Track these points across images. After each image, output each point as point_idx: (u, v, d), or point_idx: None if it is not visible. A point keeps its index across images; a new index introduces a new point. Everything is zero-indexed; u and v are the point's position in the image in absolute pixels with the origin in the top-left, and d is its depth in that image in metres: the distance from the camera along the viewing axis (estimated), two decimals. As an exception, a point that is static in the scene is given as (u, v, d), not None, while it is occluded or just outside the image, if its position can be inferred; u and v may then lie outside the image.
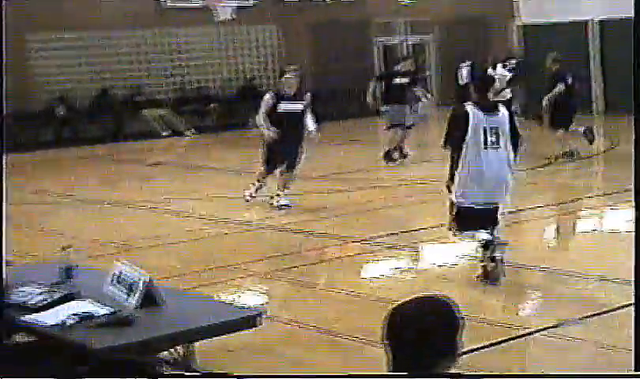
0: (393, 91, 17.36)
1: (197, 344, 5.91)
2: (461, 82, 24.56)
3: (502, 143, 8.59)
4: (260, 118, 12.80)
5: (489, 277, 8.57)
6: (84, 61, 24.67)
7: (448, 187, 8.79)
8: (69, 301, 5.55)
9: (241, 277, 9.40)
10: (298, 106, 12.82)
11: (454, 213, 8.76)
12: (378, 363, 3.36)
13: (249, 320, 5.59)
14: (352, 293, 8.54)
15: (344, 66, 28.90)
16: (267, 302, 8.42)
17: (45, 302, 5.50)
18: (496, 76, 14.27)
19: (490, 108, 8.66)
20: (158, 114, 24.34)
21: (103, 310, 5.33)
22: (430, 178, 15.71)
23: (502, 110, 8.73)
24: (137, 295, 5.47)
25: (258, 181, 13.24)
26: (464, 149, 8.53)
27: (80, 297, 5.63)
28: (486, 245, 8.60)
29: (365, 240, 10.59)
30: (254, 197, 13.17)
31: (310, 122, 12.93)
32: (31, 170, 19.78)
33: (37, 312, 5.39)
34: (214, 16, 25.31)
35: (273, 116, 12.65)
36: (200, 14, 25.40)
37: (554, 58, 17.01)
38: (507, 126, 8.67)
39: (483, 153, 8.52)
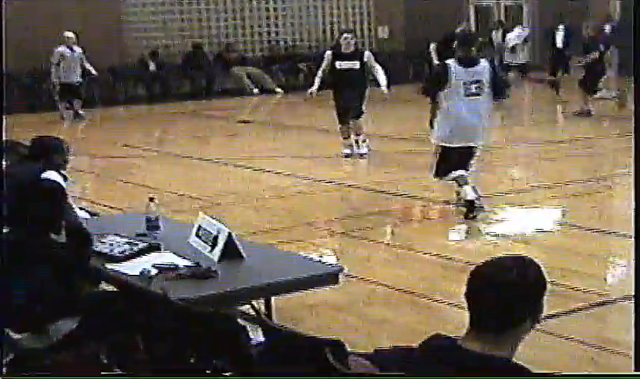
0: None
1: (276, 299, 5.96)
2: (558, 46, 24.05)
3: (482, 93, 9.56)
4: (318, 73, 14.07)
5: (467, 214, 9.62)
6: (176, 17, 24.86)
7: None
8: (152, 252, 5.62)
9: (324, 235, 9.43)
10: (354, 65, 13.61)
11: (437, 156, 9.80)
12: (459, 324, 3.33)
13: (329, 277, 5.59)
14: (435, 255, 8.50)
15: (438, 28, 28.61)
16: (349, 261, 8.42)
17: (128, 253, 5.58)
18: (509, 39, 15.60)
19: (470, 62, 9.57)
20: (248, 72, 24.43)
21: (184, 262, 5.38)
22: (515, 141, 15.58)
23: (483, 64, 9.71)
24: (218, 248, 5.51)
25: (343, 137, 13.99)
26: (442, 98, 9.58)
27: (164, 249, 5.69)
28: (464, 181, 9.68)
29: (450, 202, 10.50)
30: (351, 153, 13.93)
31: (381, 79, 13.68)
32: (122, 124, 20.12)
33: (120, 262, 5.47)
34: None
35: (334, 73, 13.73)
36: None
37: (588, 26, 18.80)
38: (488, 77, 9.58)
39: (462, 102, 9.51)
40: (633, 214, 4.00)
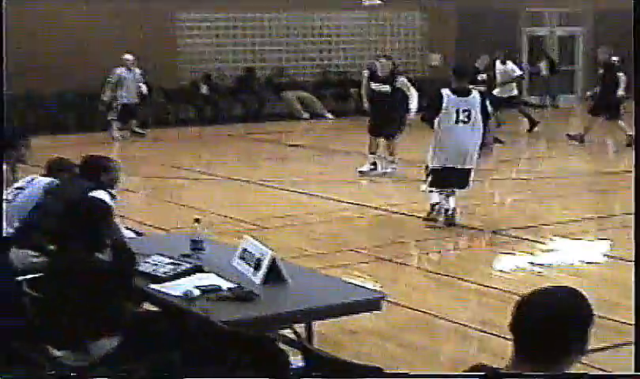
0: None
1: (318, 324, 5.95)
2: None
3: (472, 121, 10.55)
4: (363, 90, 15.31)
5: (446, 222, 10.74)
6: (230, 41, 25.06)
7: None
8: (195, 273, 5.65)
9: (368, 261, 9.41)
10: (385, 88, 14.51)
11: (428, 174, 10.84)
12: (501, 354, 3.30)
13: (371, 303, 5.57)
14: (479, 284, 8.44)
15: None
16: (391, 287, 8.40)
17: (172, 273, 5.61)
18: (498, 72, 19.00)
19: (463, 92, 10.64)
20: (299, 96, 24.52)
21: (227, 284, 5.40)
22: (567, 173, 15.46)
23: (475, 94, 10.80)
24: (262, 271, 5.53)
25: (370, 151, 14.81)
26: (436, 124, 10.57)
27: (207, 270, 5.72)
28: (449, 199, 10.77)
29: (495, 232, 10.44)
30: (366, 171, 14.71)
31: (412, 104, 14.32)
32: (172, 146, 20.26)
33: (163, 282, 5.51)
34: (362, 1, 25.28)
35: (371, 92, 14.83)
36: (346, -2, 25.46)
37: (603, 52, 19.67)
38: (478, 108, 10.60)
39: (453, 127, 10.51)
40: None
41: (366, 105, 15.08)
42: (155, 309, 5.45)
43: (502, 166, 16.01)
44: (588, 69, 29.36)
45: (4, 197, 6.51)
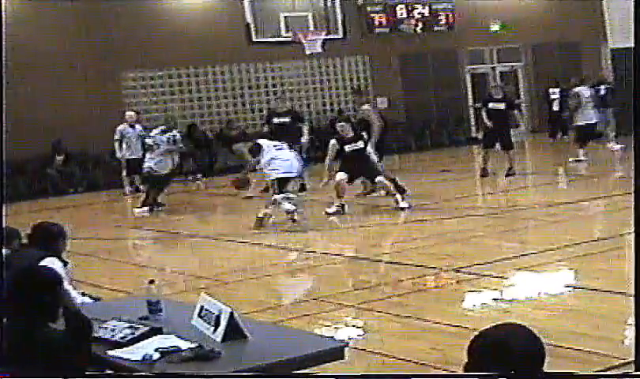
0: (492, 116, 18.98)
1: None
2: (555, 109, 24.20)
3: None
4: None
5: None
6: (176, 97, 25.04)
7: None
8: (154, 335, 5.51)
9: (332, 309, 9.28)
10: (358, 145, 15.32)
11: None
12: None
13: (335, 352, 5.47)
14: (446, 324, 8.35)
15: (435, 96, 28.77)
16: (359, 334, 8.29)
17: (130, 338, 5.47)
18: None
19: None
20: (250, 148, 24.41)
21: (187, 344, 5.27)
22: (523, 205, 15.51)
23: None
24: (221, 329, 5.41)
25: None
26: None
27: (166, 331, 5.58)
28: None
29: (459, 269, 10.38)
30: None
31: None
32: (127, 205, 20.08)
33: (122, 347, 5.36)
34: (304, 50, 25.38)
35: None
36: (289, 48, 25.53)
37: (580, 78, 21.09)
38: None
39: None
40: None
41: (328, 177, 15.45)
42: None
43: (457, 202, 16.03)
44: (531, 102, 29.76)
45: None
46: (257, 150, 14.67)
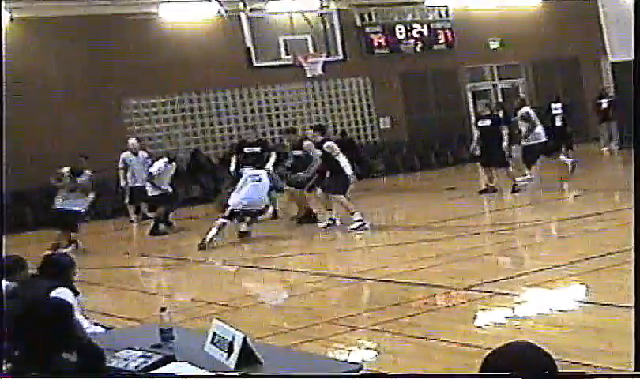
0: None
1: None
2: (558, 124, 24.15)
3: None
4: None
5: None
6: (179, 123, 25.06)
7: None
8: (167, 363, 5.46)
9: (344, 331, 9.22)
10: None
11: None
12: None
13: (349, 376, 5.42)
14: (459, 343, 8.29)
15: (436, 114, 28.79)
16: (372, 356, 8.23)
17: (144, 366, 5.42)
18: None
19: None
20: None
21: (201, 372, 5.22)
22: (530, 222, 15.46)
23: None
24: (234, 355, 5.36)
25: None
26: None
27: (180, 359, 5.54)
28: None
29: (469, 288, 10.33)
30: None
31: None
32: (135, 232, 20.06)
33: (136, 377, 5.31)
34: (305, 73, 25.41)
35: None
36: (290, 71, 25.55)
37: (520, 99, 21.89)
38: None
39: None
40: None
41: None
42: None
43: (465, 221, 15.98)
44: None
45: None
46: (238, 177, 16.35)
